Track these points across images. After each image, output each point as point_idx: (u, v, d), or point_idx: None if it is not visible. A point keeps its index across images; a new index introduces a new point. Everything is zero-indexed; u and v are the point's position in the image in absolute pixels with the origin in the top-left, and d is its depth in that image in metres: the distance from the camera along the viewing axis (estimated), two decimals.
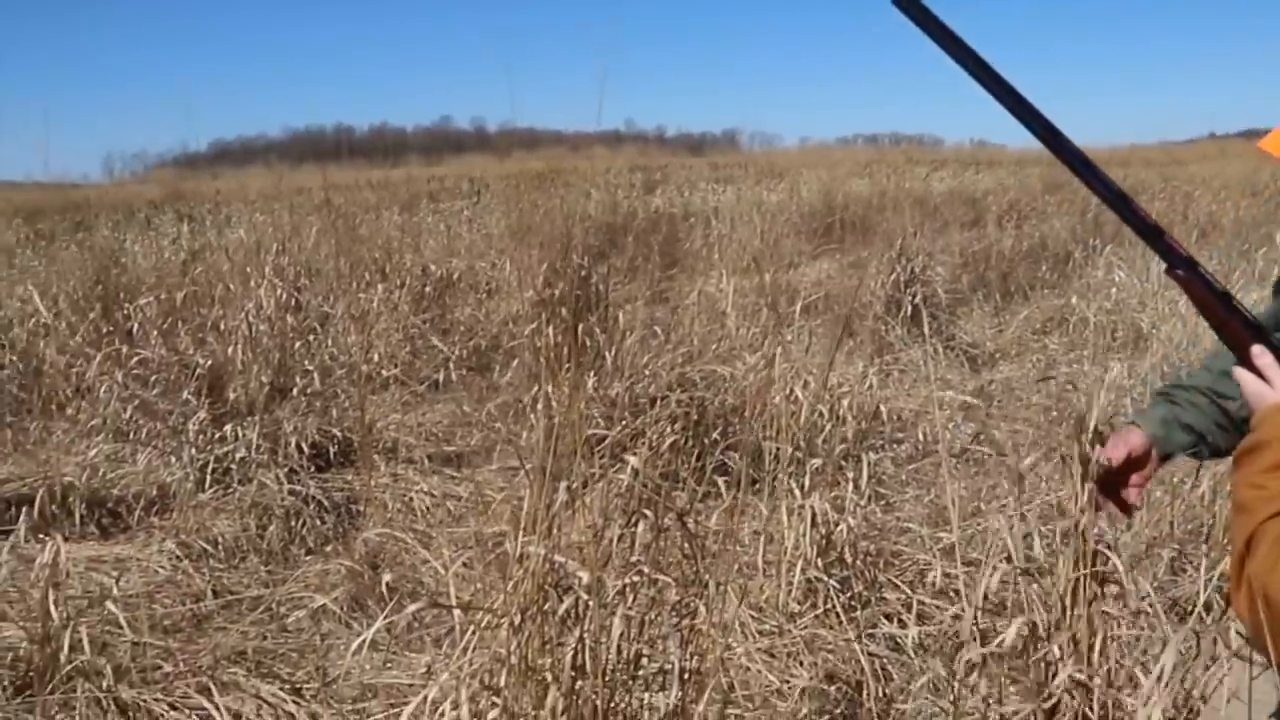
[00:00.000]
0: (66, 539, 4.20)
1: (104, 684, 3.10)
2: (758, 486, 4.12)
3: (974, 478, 5.10)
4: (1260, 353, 1.57)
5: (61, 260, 9.58)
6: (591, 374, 5.19)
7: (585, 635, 2.16)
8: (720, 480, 3.60)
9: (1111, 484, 2.03)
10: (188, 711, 3.14)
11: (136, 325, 6.96)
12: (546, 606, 2.21)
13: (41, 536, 4.12)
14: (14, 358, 6.94)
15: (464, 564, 3.80)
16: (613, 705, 2.34)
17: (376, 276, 8.72)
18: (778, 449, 4.02)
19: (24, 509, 4.50)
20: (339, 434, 5.58)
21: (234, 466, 5.07)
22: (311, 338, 7.05)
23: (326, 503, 4.91)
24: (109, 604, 3.50)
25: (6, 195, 25.15)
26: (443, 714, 2.20)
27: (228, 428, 5.22)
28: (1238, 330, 1.62)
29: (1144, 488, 2.05)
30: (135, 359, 6.04)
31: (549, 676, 2.15)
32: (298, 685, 3.63)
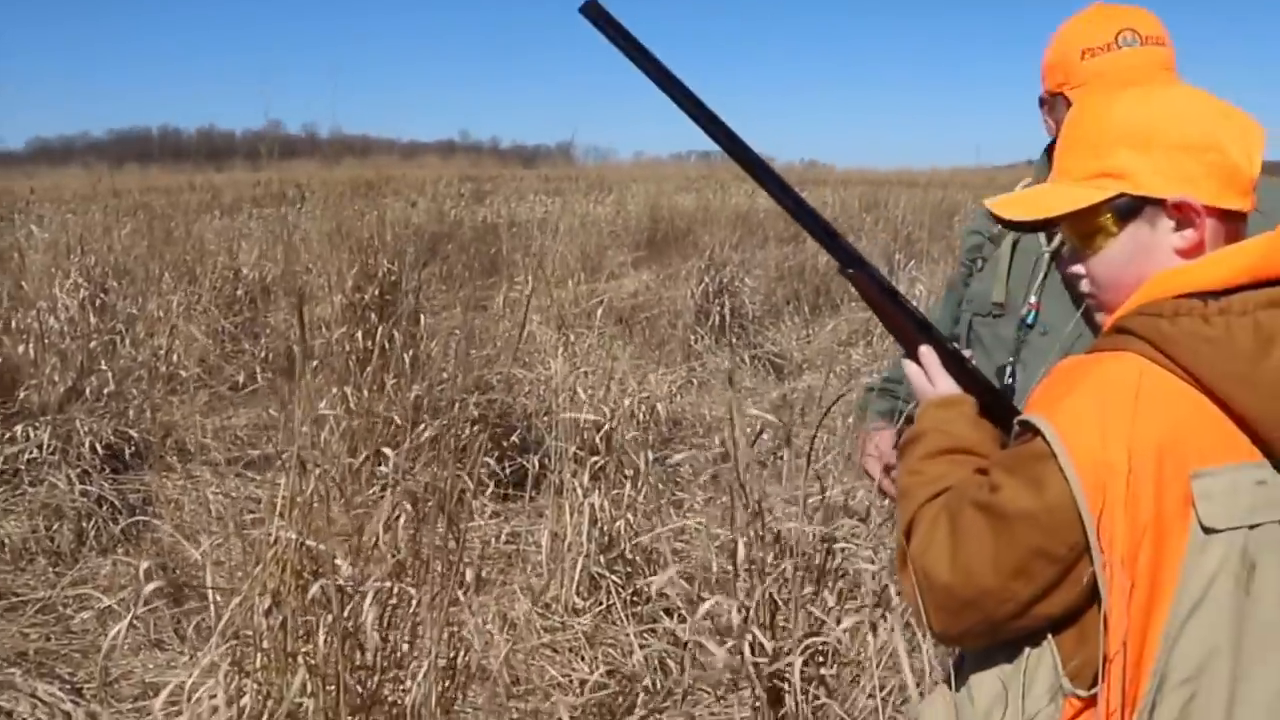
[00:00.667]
0: None
1: None
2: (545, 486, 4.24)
3: (768, 482, 5.26)
4: (925, 351, 1.64)
5: None
6: (391, 376, 5.22)
7: (339, 621, 2.21)
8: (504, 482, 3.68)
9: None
10: None
11: None
12: (301, 592, 2.26)
13: None
14: None
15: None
16: (375, 694, 2.40)
17: (185, 279, 8.58)
18: (569, 450, 4.11)
19: None
20: (135, 435, 5.50)
21: (23, 467, 4.97)
22: (115, 339, 6.92)
23: (120, 504, 4.85)
24: None
25: None
26: (199, 701, 2.23)
27: (18, 428, 5.11)
28: (905, 327, 1.68)
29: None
30: None
31: (301, 660, 2.20)
32: (78, 685, 3.61)
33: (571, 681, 3.35)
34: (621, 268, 11.83)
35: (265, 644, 2.24)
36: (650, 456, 4.11)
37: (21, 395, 5.46)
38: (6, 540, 4.58)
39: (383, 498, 2.80)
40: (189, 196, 22.23)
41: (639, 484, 3.93)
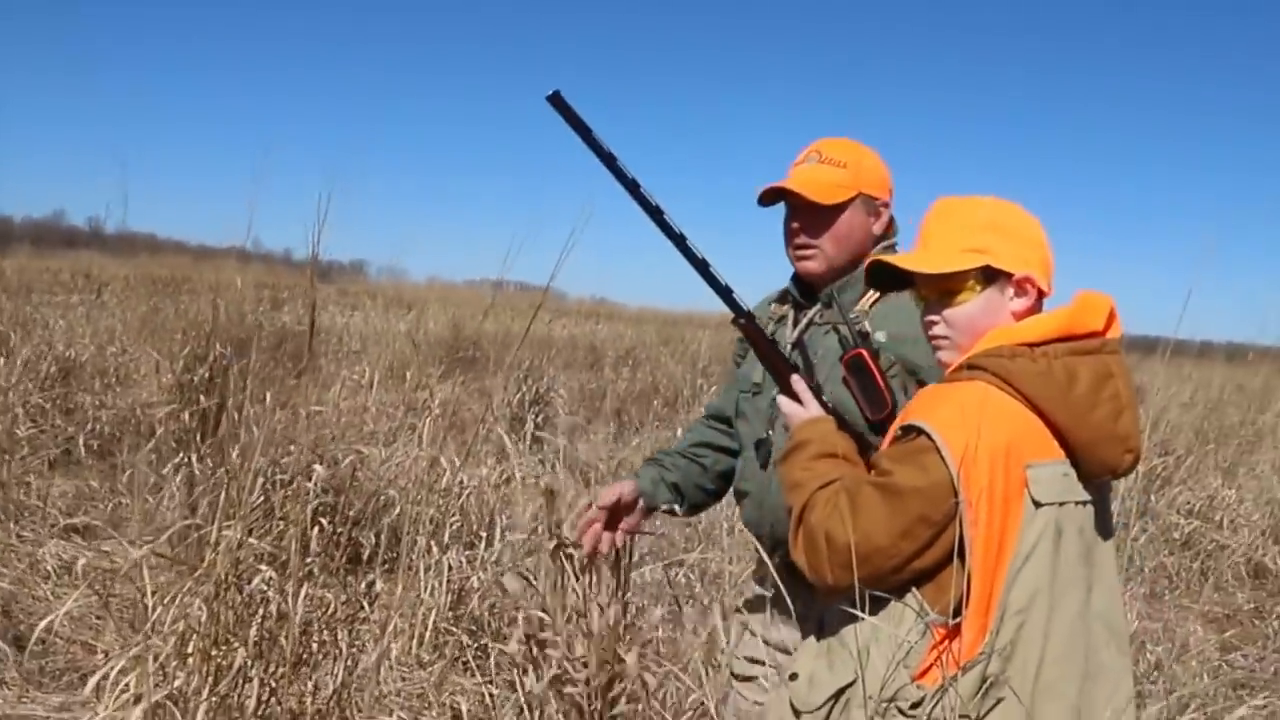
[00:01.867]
0: None
1: None
2: (387, 563, 4.49)
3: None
4: (797, 381, 2.29)
5: None
6: (235, 447, 5.37)
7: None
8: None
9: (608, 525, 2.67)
10: None
11: None
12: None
13: None
14: None
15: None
16: None
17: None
18: (420, 514, 4.37)
19: None
20: None
21: None
22: None
23: None
24: None
25: None
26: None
27: None
28: (781, 365, 2.36)
29: (630, 532, 2.72)
30: None
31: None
32: None
33: None
34: (429, 378, 12.03)
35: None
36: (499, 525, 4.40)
37: None
38: None
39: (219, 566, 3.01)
40: None
41: (489, 546, 4.21)
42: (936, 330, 2.07)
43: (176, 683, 2.51)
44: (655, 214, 2.35)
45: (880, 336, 2.43)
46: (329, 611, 3.67)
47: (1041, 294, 2.03)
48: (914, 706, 1.86)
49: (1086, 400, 1.90)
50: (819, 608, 2.10)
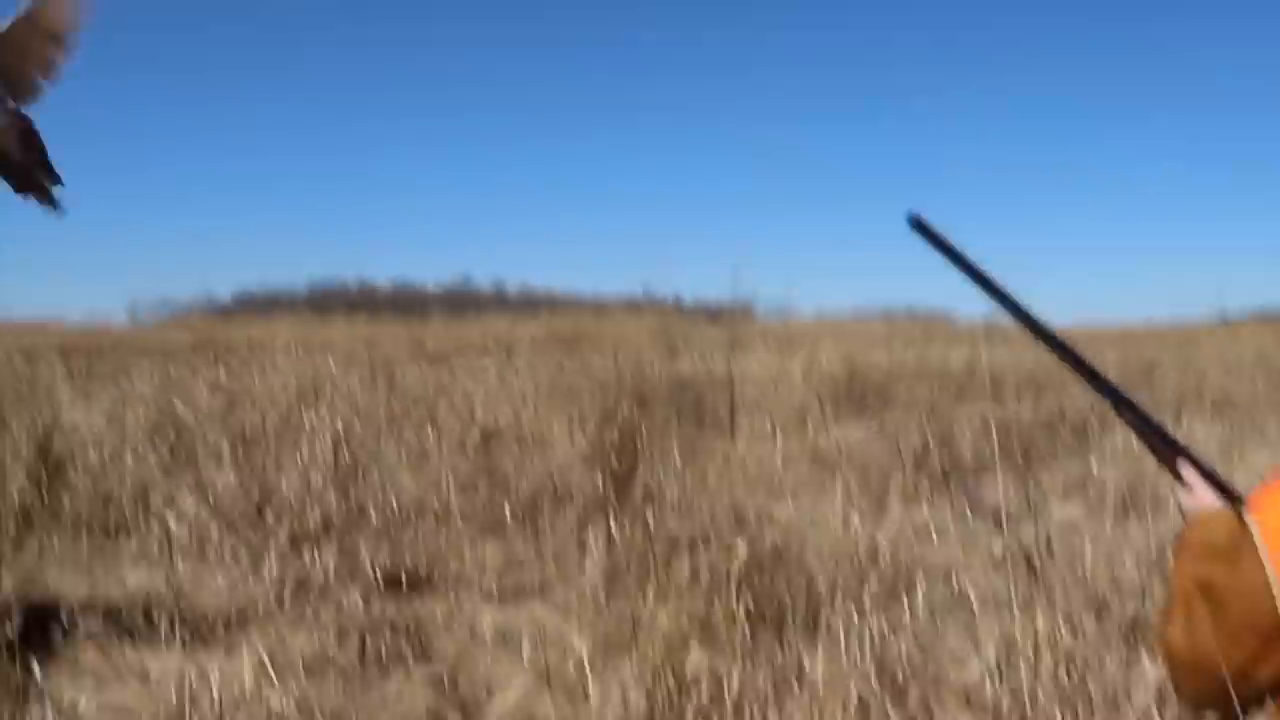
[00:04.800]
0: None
1: None
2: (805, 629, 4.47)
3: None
4: (1183, 465, 1.94)
5: (121, 393, 10.00)
6: (650, 510, 5.53)
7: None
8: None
9: None
10: None
11: (201, 455, 7.37)
12: None
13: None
14: (87, 480, 7.29)
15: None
16: None
17: (426, 421, 9.10)
18: (834, 581, 4.34)
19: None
20: (409, 563, 5.91)
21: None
22: (364, 475, 7.40)
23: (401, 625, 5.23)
24: None
25: (33, 334, 25.68)
26: None
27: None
28: (1163, 451, 1.98)
29: None
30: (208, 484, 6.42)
31: None
32: None
33: None
34: (827, 422, 12.03)
35: None
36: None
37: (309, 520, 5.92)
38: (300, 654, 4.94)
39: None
40: (392, 349, 23.25)
41: (915, 613, 4.14)
42: None
43: None
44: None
45: None
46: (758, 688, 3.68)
47: None
48: None
49: None
50: None
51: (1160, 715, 3.65)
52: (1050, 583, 5.85)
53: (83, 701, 4.27)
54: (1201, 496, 1.88)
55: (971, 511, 7.86)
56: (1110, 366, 17.12)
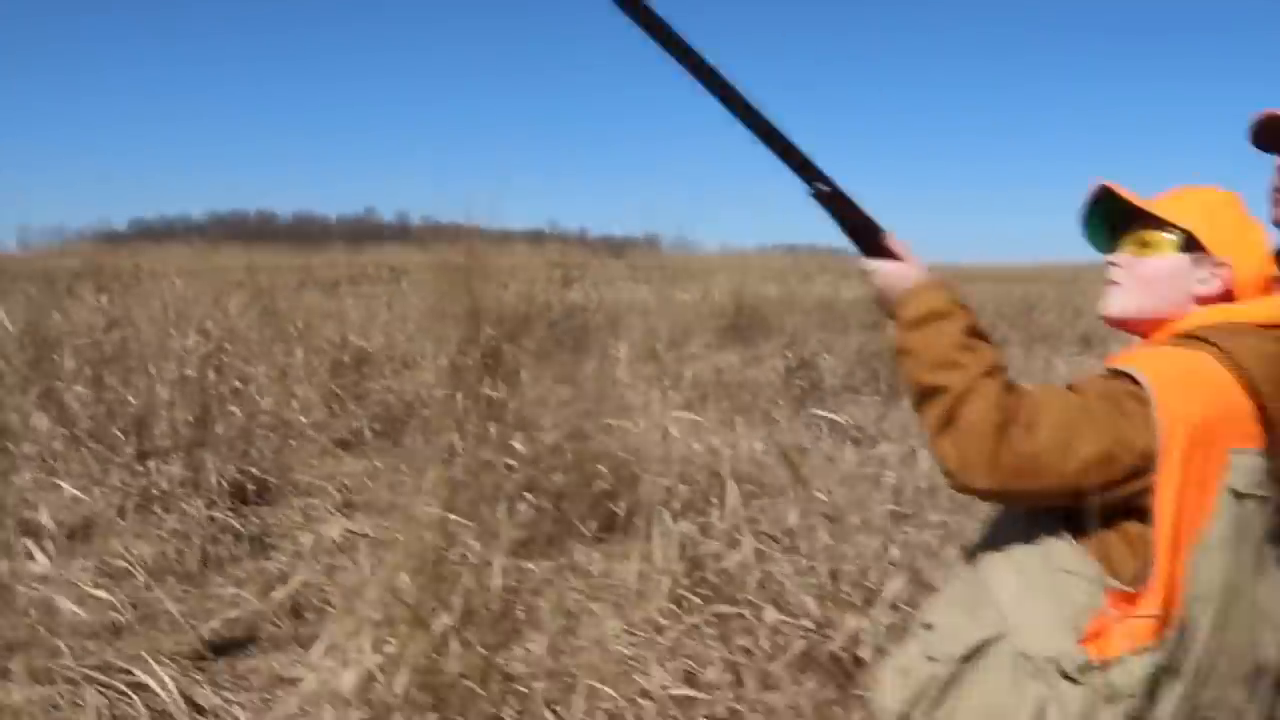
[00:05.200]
0: None
1: None
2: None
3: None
4: (890, 237, 1.97)
5: None
6: (493, 426, 5.63)
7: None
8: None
9: None
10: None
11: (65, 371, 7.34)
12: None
13: None
14: None
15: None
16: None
17: (297, 344, 9.11)
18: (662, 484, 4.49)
19: None
20: (257, 474, 5.97)
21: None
22: (232, 392, 7.42)
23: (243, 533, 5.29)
24: None
25: None
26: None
27: (151, 463, 5.60)
28: (868, 225, 1.97)
29: None
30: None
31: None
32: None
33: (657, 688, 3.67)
34: (706, 348, 12.20)
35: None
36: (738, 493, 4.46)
37: (156, 434, 5.95)
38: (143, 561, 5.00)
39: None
40: (288, 276, 23.06)
41: (725, 513, 4.30)
42: (1115, 274, 1.97)
43: (388, 649, 2.70)
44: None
45: None
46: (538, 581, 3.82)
47: (1230, 295, 1.89)
48: (1079, 672, 1.72)
49: None
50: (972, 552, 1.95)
51: None
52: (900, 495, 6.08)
53: None
54: (917, 263, 1.95)
55: (830, 431, 8.07)
56: (990, 301, 17.53)
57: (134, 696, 3.54)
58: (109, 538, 5.22)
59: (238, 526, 5.34)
